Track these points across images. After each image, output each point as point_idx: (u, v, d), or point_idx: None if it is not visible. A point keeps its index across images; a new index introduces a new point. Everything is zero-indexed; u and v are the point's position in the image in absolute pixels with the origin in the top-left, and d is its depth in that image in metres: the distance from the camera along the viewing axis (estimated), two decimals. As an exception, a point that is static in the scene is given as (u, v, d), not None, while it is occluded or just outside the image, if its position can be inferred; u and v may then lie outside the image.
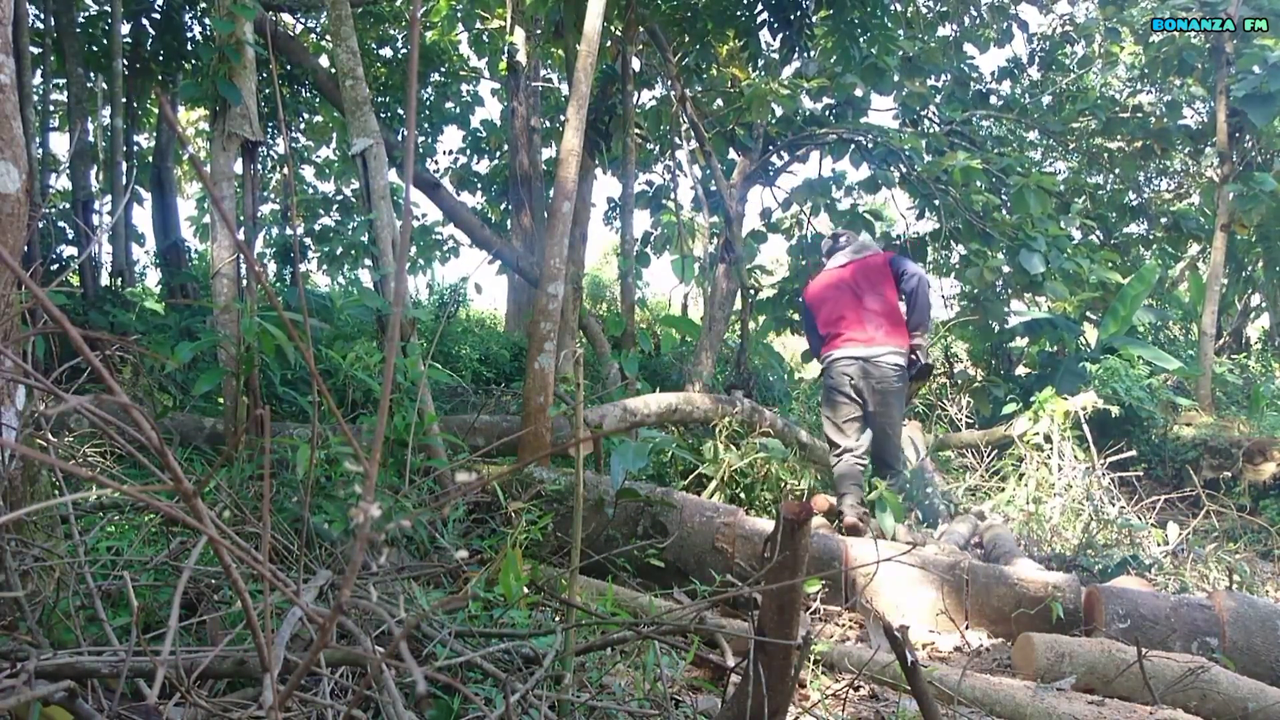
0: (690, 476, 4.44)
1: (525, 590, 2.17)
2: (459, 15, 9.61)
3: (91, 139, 6.87)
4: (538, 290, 4.38)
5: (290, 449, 2.95)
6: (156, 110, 9.04)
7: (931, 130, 9.12)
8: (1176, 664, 2.58)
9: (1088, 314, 8.35)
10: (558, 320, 4.24)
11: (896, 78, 8.74)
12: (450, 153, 16.30)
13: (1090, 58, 10.43)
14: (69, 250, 6.61)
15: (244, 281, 3.61)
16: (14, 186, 1.69)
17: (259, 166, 4.59)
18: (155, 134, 8.74)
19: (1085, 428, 5.11)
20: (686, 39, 7.57)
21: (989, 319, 7.92)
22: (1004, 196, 7.42)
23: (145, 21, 7.45)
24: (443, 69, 10.40)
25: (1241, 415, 7.45)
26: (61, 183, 7.68)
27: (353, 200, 10.82)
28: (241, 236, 3.87)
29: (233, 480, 2.89)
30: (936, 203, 7.33)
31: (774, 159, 8.57)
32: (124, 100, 6.63)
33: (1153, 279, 8.13)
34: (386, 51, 10.10)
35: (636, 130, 7.75)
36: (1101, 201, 10.18)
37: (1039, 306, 8.51)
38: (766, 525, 3.45)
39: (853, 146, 8.06)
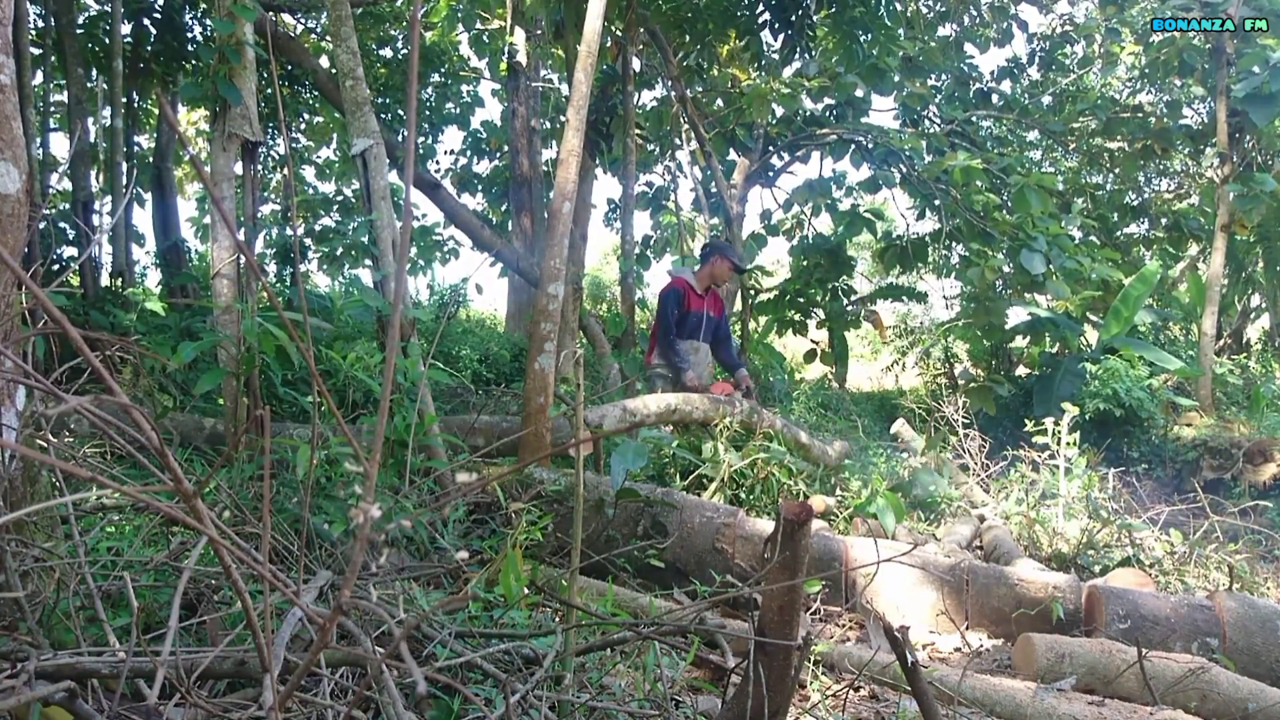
0: (690, 477, 4.43)
1: (525, 591, 2.17)
2: (459, 15, 9.61)
3: (91, 139, 6.86)
4: (538, 291, 4.37)
5: (290, 449, 2.95)
6: (156, 110, 9.03)
7: (932, 130, 9.12)
8: (1177, 664, 2.58)
9: (1089, 315, 8.33)
10: (558, 321, 4.24)
11: (897, 78, 8.74)
12: (451, 153, 16.30)
13: (1090, 58, 10.42)
14: (69, 251, 6.60)
15: (244, 281, 3.61)
16: (14, 187, 1.69)
17: (259, 167, 4.59)
18: (155, 134, 8.73)
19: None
20: (687, 39, 7.56)
21: (990, 319, 7.92)
22: (1004, 196, 7.41)
23: (145, 21, 7.45)
24: (443, 69, 10.40)
25: (1242, 416, 7.44)
26: (62, 183, 7.68)
27: (353, 200, 10.81)
28: (241, 237, 3.87)
29: (233, 480, 2.88)
30: (937, 203, 7.33)
31: (774, 159, 8.57)
32: (124, 100, 6.62)
33: (1154, 280, 8.12)
34: (386, 52, 10.10)
35: (637, 131, 7.75)
36: (1101, 201, 10.17)
37: (1039, 307, 8.50)
38: (767, 526, 3.45)
39: (853, 147, 8.06)
